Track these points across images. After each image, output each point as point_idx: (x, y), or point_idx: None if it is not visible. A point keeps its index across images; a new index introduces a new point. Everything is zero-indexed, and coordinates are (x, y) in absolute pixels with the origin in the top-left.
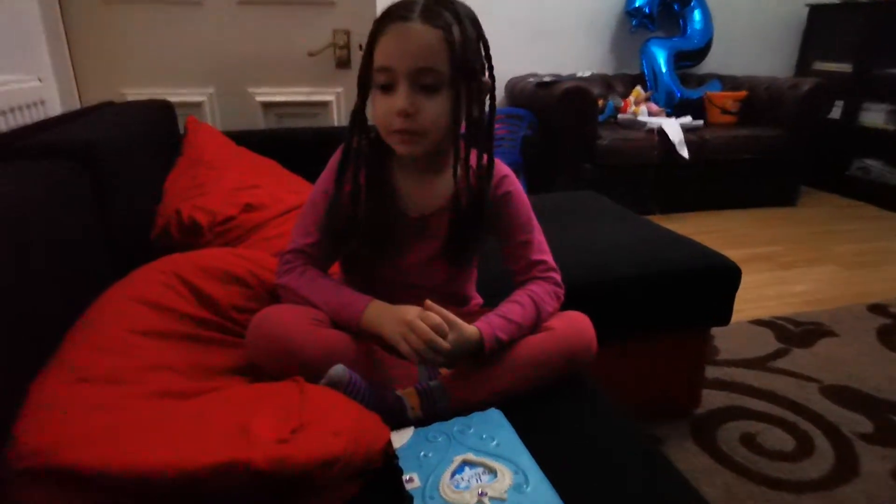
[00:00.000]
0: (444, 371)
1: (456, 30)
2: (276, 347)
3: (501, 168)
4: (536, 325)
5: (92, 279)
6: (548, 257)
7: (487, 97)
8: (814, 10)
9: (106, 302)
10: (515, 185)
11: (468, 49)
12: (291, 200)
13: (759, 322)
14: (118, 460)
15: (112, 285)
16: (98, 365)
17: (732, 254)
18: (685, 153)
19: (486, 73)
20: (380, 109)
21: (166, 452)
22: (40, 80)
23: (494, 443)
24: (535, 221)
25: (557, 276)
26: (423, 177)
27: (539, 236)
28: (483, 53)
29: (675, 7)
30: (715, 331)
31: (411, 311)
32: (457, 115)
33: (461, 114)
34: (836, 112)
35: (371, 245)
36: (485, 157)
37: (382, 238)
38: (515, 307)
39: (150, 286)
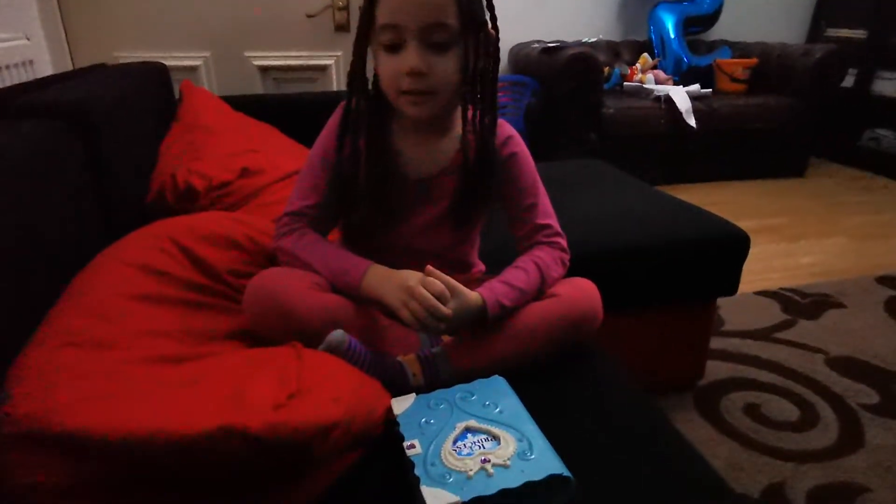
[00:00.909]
0: (446, 338)
1: None
2: (274, 312)
3: (507, 128)
4: (541, 291)
5: (84, 244)
6: (553, 221)
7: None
8: None
9: (98, 266)
10: (521, 146)
11: (473, 5)
12: (290, 166)
13: (765, 293)
14: (111, 425)
15: (105, 249)
16: (90, 330)
17: (740, 225)
18: (693, 122)
19: (490, 25)
20: (386, 70)
21: (160, 418)
22: (28, 38)
23: (497, 410)
24: (540, 185)
25: (563, 241)
26: (426, 138)
27: (544, 200)
28: (486, 3)
29: None
30: (720, 302)
31: (412, 277)
32: (466, 72)
33: (470, 70)
34: (848, 80)
35: (372, 210)
36: (488, 114)
37: (383, 203)
38: (519, 273)
39: (144, 250)
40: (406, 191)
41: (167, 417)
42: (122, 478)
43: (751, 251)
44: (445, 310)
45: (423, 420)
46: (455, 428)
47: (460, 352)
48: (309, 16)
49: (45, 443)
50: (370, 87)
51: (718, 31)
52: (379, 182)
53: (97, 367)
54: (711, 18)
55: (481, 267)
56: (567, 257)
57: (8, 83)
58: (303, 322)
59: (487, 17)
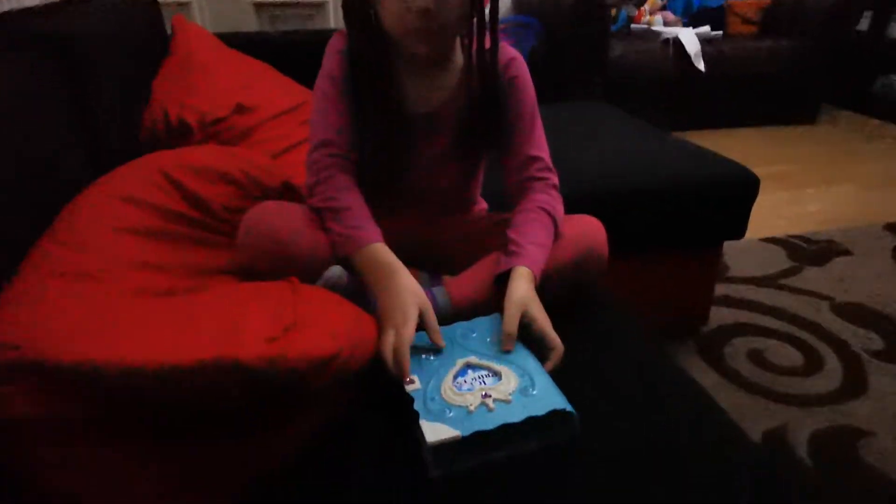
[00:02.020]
0: (445, 277)
1: None
2: (269, 248)
3: (509, 51)
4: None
5: (72, 181)
6: (545, 154)
7: None
8: None
9: (85, 199)
10: (523, 69)
11: None
12: (286, 103)
13: (771, 240)
14: (98, 354)
15: (91, 184)
16: (77, 262)
17: None
18: (701, 66)
19: None
20: (392, 9)
21: (151, 348)
22: None
23: (498, 347)
24: (537, 114)
25: (555, 178)
26: (429, 71)
27: (540, 131)
28: None
29: None
30: (725, 248)
31: (410, 319)
32: (475, 3)
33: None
34: (863, 24)
35: (374, 148)
36: (491, 40)
37: (386, 140)
38: (541, 230)
39: (134, 183)
40: (409, 126)
41: (158, 348)
42: (112, 411)
43: (758, 198)
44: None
45: (423, 356)
46: (455, 364)
47: (462, 294)
48: None
49: (30, 371)
50: (372, 19)
51: None
52: (380, 118)
53: (85, 298)
54: None
55: (483, 205)
56: (559, 191)
57: None
58: (299, 258)
59: None
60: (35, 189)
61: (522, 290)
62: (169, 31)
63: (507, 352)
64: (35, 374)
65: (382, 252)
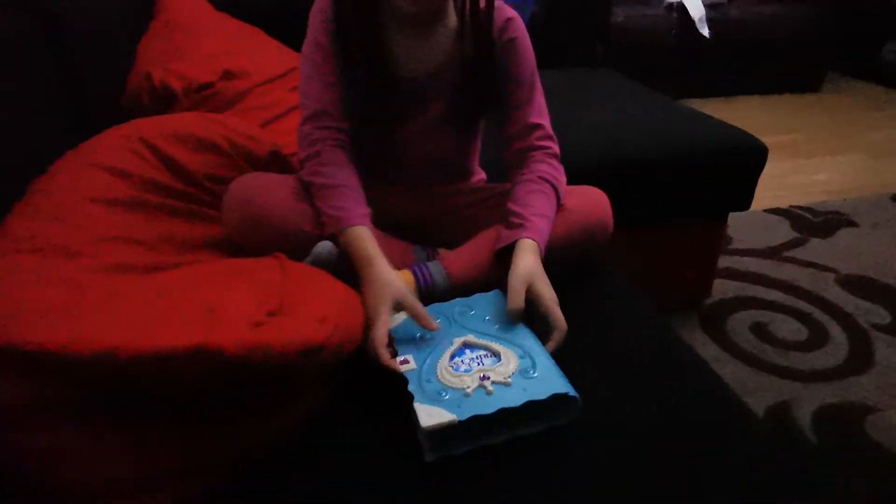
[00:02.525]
0: (442, 251)
1: None
2: (254, 220)
3: (506, 10)
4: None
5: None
6: (546, 122)
7: None
8: None
9: (60, 167)
10: (521, 30)
11: None
12: (275, 69)
13: (775, 211)
14: (73, 339)
15: (68, 152)
16: (50, 235)
17: None
18: (706, 31)
19: None
20: None
21: (128, 332)
22: None
23: (498, 326)
24: (537, 78)
25: (556, 147)
26: (420, 32)
27: (539, 97)
28: None
29: None
30: (729, 219)
31: (378, 318)
32: None
33: None
34: None
35: (366, 115)
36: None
37: (377, 107)
38: (544, 200)
39: (112, 151)
40: (402, 92)
41: (135, 332)
42: (87, 396)
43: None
44: (386, 358)
45: (419, 335)
46: (452, 343)
47: (460, 268)
48: None
49: (8, 358)
50: None
51: None
52: (372, 85)
53: (58, 275)
54: None
55: (482, 175)
56: (559, 160)
57: None
58: (285, 232)
59: None
60: (17, 156)
61: (528, 263)
62: None
63: (508, 330)
64: (12, 358)
65: (362, 238)
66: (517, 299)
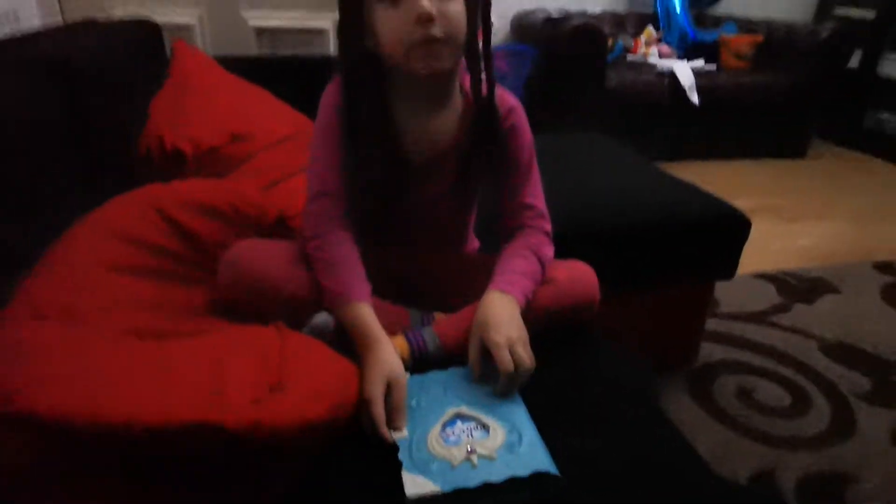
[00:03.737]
0: (438, 316)
1: None
2: (250, 286)
3: (509, 98)
4: (542, 277)
5: (67, 203)
6: (540, 202)
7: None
8: None
9: (75, 233)
10: (522, 118)
11: None
12: (281, 131)
13: (761, 275)
14: (81, 410)
15: (84, 215)
16: (62, 301)
17: (738, 204)
18: (695, 99)
19: None
20: (392, 24)
21: (133, 404)
22: None
23: (489, 396)
24: (534, 161)
25: (547, 225)
26: (428, 112)
27: (535, 178)
28: None
29: None
30: (717, 283)
31: (376, 387)
32: (473, 23)
33: (477, 21)
34: (854, 61)
35: (371, 192)
36: (488, 83)
37: (383, 186)
38: (525, 263)
39: (125, 217)
40: (406, 171)
41: (141, 404)
42: (88, 462)
43: (749, 230)
44: (388, 436)
45: (414, 401)
46: (445, 413)
47: (452, 335)
48: None
49: (10, 423)
50: (367, 49)
51: (725, 7)
52: (379, 164)
53: (67, 342)
54: None
55: (475, 244)
56: (551, 243)
57: None
58: (279, 298)
59: None
60: (33, 211)
61: (480, 316)
62: (169, 54)
63: (500, 400)
64: (13, 425)
65: (363, 316)
66: (472, 352)
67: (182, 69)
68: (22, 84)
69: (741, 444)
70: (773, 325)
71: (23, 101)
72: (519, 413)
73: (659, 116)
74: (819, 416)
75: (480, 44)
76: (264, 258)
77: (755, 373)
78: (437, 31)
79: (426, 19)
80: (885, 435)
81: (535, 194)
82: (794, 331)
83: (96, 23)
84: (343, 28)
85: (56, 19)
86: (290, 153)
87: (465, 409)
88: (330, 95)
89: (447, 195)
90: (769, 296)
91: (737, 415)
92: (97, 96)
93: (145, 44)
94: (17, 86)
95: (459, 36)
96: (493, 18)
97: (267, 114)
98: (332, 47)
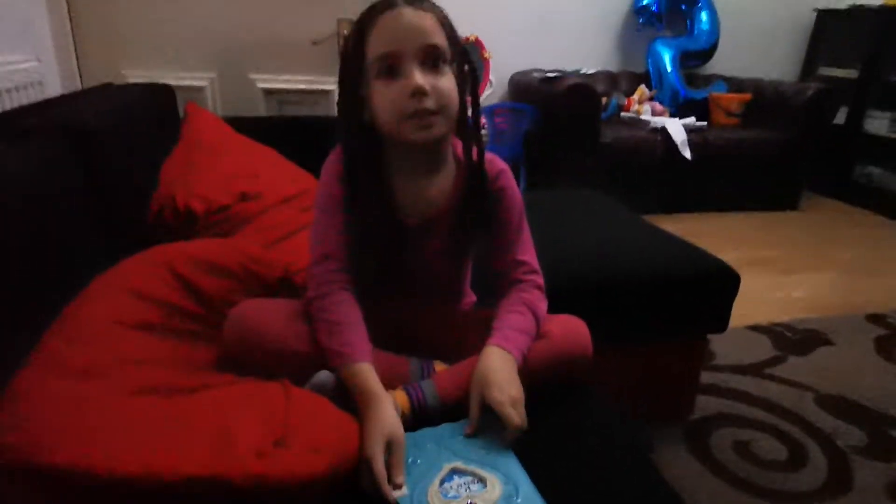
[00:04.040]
0: (438, 366)
1: (440, 12)
2: (253, 343)
3: (498, 163)
4: (537, 332)
5: (84, 264)
6: (531, 258)
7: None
8: (821, 14)
9: (92, 291)
10: (511, 181)
11: (455, 31)
12: (288, 190)
13: (756, 328)
14: (96, 462)
15: (101, 274)
16: (79, 358)
17: (732, 256)
18: (688, 154)
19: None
20: (388, 97)
21: (146, 457)
22: (39, 60)
23: (485, 449)
24: (524, 220)
25: (540, 280)
26: (423, 177)
27: (526, 236)
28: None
29: (683, 7)
30: (711, 335)
31: (377, 445)
32: (463, 95)
33: (466, 93)
34: (840, 117)
35: (370, 253)
36: (478, 148)
37: (381, 248)
38: (521, 319)
39: (140, 277)
40: (403, 233)
41: (153, 458)
42: None
43: (742, 283)
44: (390, 494)
45: (411, 459)
46: (442, 468)
47: (452, 390)
48: (314, 43)
49: (29, 475)
50: (365, 122)
51: (714, 66)
52: (378, 227)
53: (85, 398)
54: (707, 54)
55: (472, 297)
56: (544, 297)
57: (17, 104)
58: (282, 354)
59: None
60: (50, 273)
61: (479, 372)
62: (182, 115)
63: (495, 454)
64: (28, 476)
65: (365, 374)
66: (472, 408)
67: (194, 130)
68: (42, 148)
69: (739, 498)
70: (769, 377)
71: (42, 164)
72: (512, 465)
73: (653, 171)
74: (816, 469)
75: (470, 114)
76: (268, 315)
77: (752, 426)
78: (430, 103)
79: (420, 93)
80: (882, 489)
81: (527, 251)
82: (789, 383)
83: (113, 87)
84: (343, 103)
85: (75, 83)
86: (295, 211)
87: (460, 464)
88: (331, 164)
89: (443, 253)
90: (764, 348)
91: (734, 468)
92: (113, 158)
93: (160, 106)
94: (39, 150)
95: (451, 107)
96: (492, 77)
97: (273, 173)
98: (335, 108)
